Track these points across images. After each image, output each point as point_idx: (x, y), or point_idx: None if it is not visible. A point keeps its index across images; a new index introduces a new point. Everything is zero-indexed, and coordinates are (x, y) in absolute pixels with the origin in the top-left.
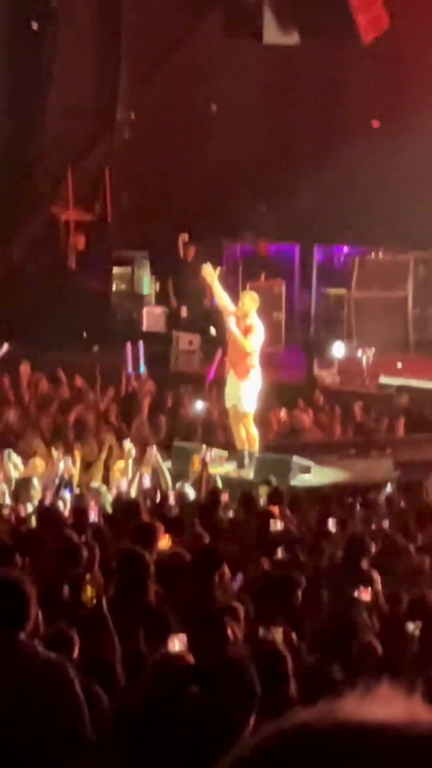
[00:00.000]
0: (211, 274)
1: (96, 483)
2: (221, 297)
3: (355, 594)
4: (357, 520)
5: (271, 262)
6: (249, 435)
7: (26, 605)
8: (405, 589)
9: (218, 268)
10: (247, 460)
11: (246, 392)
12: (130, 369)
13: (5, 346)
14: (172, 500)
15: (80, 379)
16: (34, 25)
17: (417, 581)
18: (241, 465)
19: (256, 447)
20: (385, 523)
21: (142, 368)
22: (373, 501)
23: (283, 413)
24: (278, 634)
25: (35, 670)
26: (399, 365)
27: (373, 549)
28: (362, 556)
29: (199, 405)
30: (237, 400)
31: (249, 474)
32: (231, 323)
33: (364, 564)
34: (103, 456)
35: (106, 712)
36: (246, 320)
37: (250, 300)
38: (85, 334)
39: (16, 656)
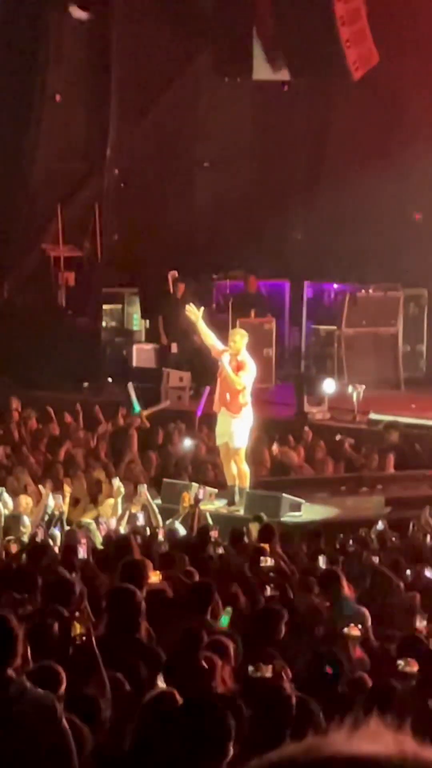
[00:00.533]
0: (195, 314)
1: (86, 520)
2: (207, 336)
3: (345, 630)
4: (347, 556)
5: (261, 299)
6: (240, 471)
7: (13, 642)
8: (396, 626)
9: (201, 308)
10: (237, 497)
11: (238, 429)
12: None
13: None
14: (161, 537)
15: (70, 416)
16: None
17: (408, 618)
18: (231, 502)
19: (247, 484)
20: (376, 560)
21: (137, 408)
22: (363, 538)
23: (275, 448)
24: (268, 671)
25: (22, 707)
26: (413, 406)
27: (366, 583)
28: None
29: (189, 442)
30: (228, 437)
31: (240, 511)
32: (224, 359)
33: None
34: (93, 493)
35: (93, 749)
36: (237, 357)
37: (240, 337)
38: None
39: (3, 692)
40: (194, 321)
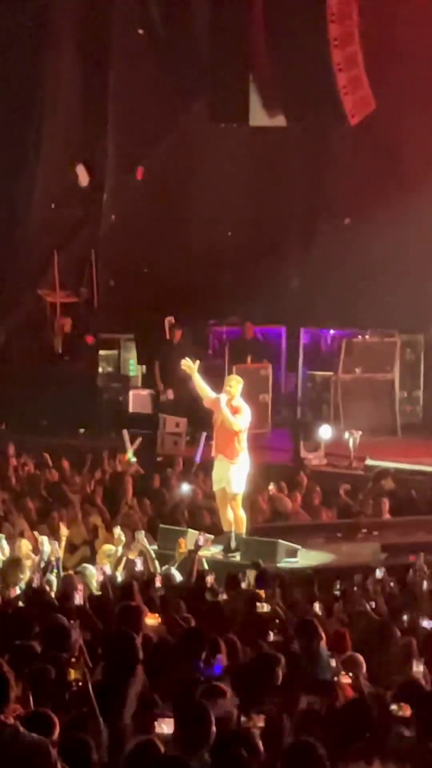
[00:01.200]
0: (190, 367)
1: (82, 565)
2: (202, 389)
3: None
4: (343, 603)
5: (257, 345)
6: (237, 517)
7: (5, 687)
8: (392, 672)
9: (197, 362)
10: (234, 543)
11: (234, 474)
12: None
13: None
14: (158, 583)
15: (66, 462)
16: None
17: (404, 663)
18: (228, 548)
19: (244, 529)
20: (372, 606)
21: (132, 457)
22: (360, 584)
23: (272, 489)
24: (260, 721)
25: (16, 751)
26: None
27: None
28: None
29: (186, 487)
30: (226, 483)
31: (237, 557)
32: (222, 402)
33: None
34: (89, 538)
35: None
36: (232, 402)
37: (236, 383)
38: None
39: None
40: (190, 374)
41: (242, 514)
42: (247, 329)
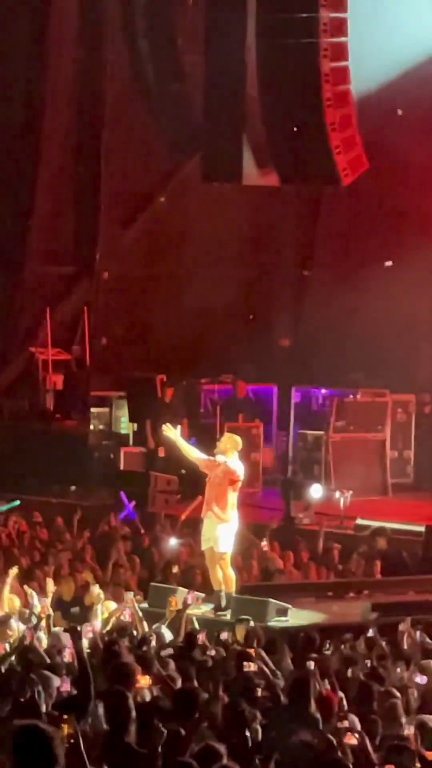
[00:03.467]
0: (173, 433)
1: (72, 624)
2: (189, 452)
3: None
4: (333, 662)
5: (249, 404)
6: (226, 576)
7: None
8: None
9: (178, 426)
10: (224, 602)
11: (222, 533)
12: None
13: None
14: (153, 642)
15: (57, 520)
16: None
17: (393, 722)
18: (218, 607)
19: (233, 588)
20: (365, 665)
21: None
22: (351, 643)
23: (264, 546)
24: None
25: None
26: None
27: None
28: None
29: (173, 543)
30: (213, 542)
31: (226, 615)
32: (219, 459)
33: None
34: (79, 596)
35: None
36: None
37: (234, 442)
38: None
39: None
40: (173, 440)
41: (231, 573)
42: (240, 388)
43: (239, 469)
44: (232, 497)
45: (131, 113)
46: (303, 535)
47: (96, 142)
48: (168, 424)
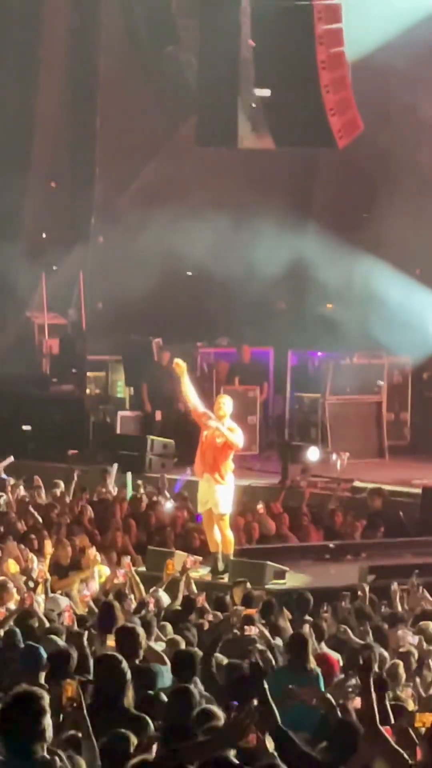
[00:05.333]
0: (182, 367)
1: (70, 587)
2: (190, 395)
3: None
4: (331, 624)
5: (245, 367)
6: (224, 538)
7: None
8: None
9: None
10: (221, 565)
11: (222, 495)
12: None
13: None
14: (151, 606)
15: (55, 483)
16: None
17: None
18: (215, 569)
19: (231, 550)
20: (361, 628)
21: (130, 492)
22: (346, 605)
23: (260, 508)
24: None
25: None
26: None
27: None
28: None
29: (169, 506)
30: (212, 504)
31: (224, 578)
32: (213, 421)
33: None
34: (77, 560)
35: None
36: (225, 422)
37: (229, 402)
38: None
39: None
40: (180, 374)
41: (230, 535)
42: (244, 352)
43: (239, 437)
44: (230, 458)
45: (126, 77)
46: (300, 498)
47: (91, 107)
48: (180, 359)
